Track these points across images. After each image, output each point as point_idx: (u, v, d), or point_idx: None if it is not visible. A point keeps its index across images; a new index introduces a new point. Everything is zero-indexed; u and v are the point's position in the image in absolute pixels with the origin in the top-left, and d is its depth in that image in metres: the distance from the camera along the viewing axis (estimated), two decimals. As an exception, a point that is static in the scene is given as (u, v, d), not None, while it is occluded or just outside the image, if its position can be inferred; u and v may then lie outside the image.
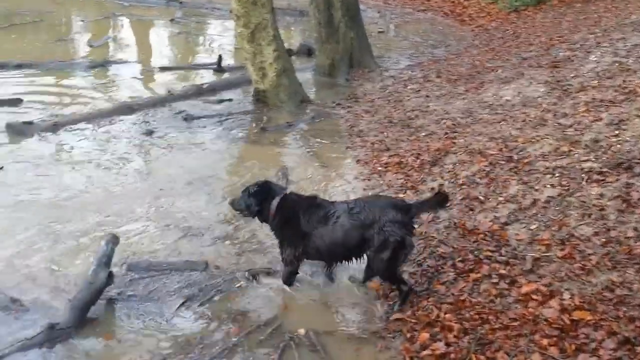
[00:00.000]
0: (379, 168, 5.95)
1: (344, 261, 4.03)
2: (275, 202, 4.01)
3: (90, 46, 11.11)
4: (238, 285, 4.18)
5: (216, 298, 4.05)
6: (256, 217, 4.13)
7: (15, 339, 3.53)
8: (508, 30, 11.10)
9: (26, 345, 3.45)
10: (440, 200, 4.00)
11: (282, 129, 7.20)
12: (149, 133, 6.93)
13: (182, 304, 3.92)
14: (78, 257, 4.44)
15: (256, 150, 6.63)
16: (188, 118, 7.41)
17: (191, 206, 5.29)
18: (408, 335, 3.65)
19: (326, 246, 3.90)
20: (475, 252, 4.28)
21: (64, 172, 5.94)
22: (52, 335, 3.54)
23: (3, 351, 3.40)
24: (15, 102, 7.83)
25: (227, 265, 4.42)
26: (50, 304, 3.91)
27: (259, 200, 4.03)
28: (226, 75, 9.34)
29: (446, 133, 6.44)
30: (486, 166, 5.41)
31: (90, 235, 4.75)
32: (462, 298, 3.86)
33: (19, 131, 6.82)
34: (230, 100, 8.15)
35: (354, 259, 4.00)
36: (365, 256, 3.92)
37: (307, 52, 10.33)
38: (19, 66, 9.30)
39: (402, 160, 5.97)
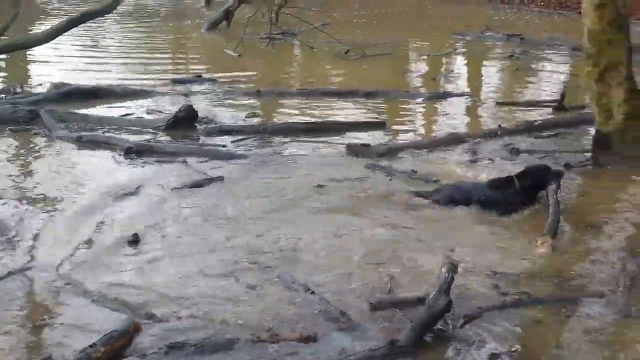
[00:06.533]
0: None
1: None
2: None
3: (433, 79, 11.60)
4: None
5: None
6: None
7: (353, 350, 3.76)
8: None
9: (367, 355, 3.66)
10: None
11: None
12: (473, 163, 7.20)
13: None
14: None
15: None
16: (513, 152, 7.42)
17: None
18: None
19: None
20: None
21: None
22: (393, 352, 3.70)
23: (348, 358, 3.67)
24: (380, 125, 8.49)
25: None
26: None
27: None
28: (567, 114, 8.96)
29: None
30: None
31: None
32: None
33: (357, 152, 7.33)
34: (555, 135, 8.03)
35: None
36: None
37: (658, 94, 9.38)
38: (366, 94, 10.03)
39: None
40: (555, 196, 5.73)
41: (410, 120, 9.22)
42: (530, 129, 8.24)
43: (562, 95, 9.20)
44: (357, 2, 19.99)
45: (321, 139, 8.00)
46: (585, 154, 7.33)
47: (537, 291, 4.49)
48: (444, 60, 13.41)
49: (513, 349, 3.80)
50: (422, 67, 13.15)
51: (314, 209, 5.90)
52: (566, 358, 3.84)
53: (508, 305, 4.24)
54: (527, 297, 4.37)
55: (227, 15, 15.54)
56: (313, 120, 8.78)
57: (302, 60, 14.00)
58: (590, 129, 7.69)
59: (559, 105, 9.12)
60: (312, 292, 4.38)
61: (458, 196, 5.91)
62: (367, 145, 7.45)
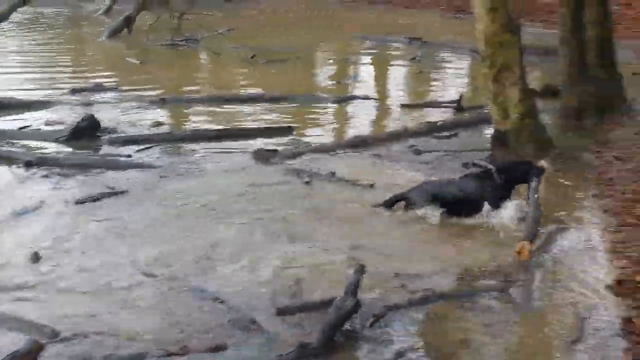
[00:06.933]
0: (631, 220, 5.49)
1: None
2: None
3: (339, 83, 11.73)
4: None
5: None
6: None
7: (264, 357, 3.76)
8: None
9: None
10: None
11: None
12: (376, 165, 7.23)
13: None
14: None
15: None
16: (416, 152, 7.61)
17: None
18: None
19: None
20: None
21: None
22: (304, 355, 3.74)
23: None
24: (288, 130, 8.49)
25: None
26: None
27: None
28: (465, 114, 9.28)
29: None
30: None
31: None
32: None
33: (264, 158, 7.33)
34: (455, 135, 8.24)
35: None
36: None
37: (551, 93, 9.87)
38: (272, 99, 10.03)
39: (659, 214, 5.46)
40: (536, 196, 5.58)
41: (317, 124, 9.30)
42: (432, 129, 8.48)
43: (461, 96, 9.53)
44: (262, 7, 19.99)
45: (230, 145, 7.96)
46: (485, 152, 7.58)
47: (442, 288, 4.62)
48: (350, 63, 13.61)
49: (417, 346, 3.92)
50: (329, 70, 13.29)
51: (223, 216, 5.85)
52: (470, 352, 3.98)
53: (414, 303, 4.35)
54: (433, 294, 4.49)
55: (128, 22, 15.18)
56: (220, 127, 8.73)
57: (208, 66, 13.90)
58: (489, 128, 7.97)
59: (459, 106, 9.43)
60: (222, 301, 4.35)
61: (435, 193, 5.77)
62: (274, 151, 7.48)
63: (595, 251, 5.22)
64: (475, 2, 7.41)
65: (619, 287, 4.49)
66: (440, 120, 8.83)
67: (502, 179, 5.76)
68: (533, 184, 5.67)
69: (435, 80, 12.13)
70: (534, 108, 7.75)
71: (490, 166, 5.96)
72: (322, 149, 7.77)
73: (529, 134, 7.56)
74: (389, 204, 5.86)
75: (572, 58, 8.62)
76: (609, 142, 7.72)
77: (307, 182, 6.62)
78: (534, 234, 5.12)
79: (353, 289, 4.09)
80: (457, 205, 5.74)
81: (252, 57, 12.74)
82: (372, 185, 6.45)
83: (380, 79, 12.59)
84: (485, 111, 8.29)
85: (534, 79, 10.90)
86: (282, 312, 4.21)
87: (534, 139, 7.55)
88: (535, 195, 5.55)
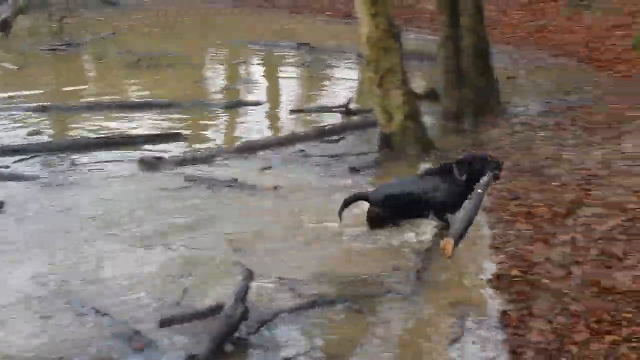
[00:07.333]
0: (506, 217, 5.75)
1: None
2: None
3: (226, 88, 11.63)
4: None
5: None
6: None
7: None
8: (649, 77, 10.56)
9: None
10: None
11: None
12: (266, 169, 7.24)
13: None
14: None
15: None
16: (303, 157, 7.68)
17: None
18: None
19: None
20: (612, 313, 4.02)
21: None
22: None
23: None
24: (176, 136, 8.37)
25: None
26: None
27: None
28: (354, 117, 9.47)
29: (580, 184, 6.15)
30: (625, 221, 5.11)
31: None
32: (597, 361, 3.65)
33: (151, 165, 7.20)
34: (343, 139, 8.37)
35: None
36: None
37: (433, 96, 10.24)
38: (159, 105, 9.87)
39: (532, 210, 5.75)
40: (481, 192, 5.26)
41: (207, 130, 9.21)
42: (321, 133, 8.60)
43: (349, 101, 9.71)
44: (147, 11, 19.58)
45: (116, 153, 7.75)
46: (372, 154, 7.77)
47: (332, 292, 4.68)
48: (239, 68, 13.56)
49: (307, 350, 3.95)
50: (218, 76, 13.20)
51: (108, 227, 5.69)
52: (357, 354, 4.07)
53: (304, 308, 4.39)
54: (322, 298, 4.53)
55: (4, 25, 14.46)
56: (105, 134, 8.46)
57: (92, 72, 13.44)
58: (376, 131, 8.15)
59: (347, 110, 9.60)
60: (104, 314, 4.23)
61: (396, 194, 5.54)
62: (160, 158, 7.34)
63: (475, 248, 5.44)
64: (358, 8, 7.59)
65: (497, 282, 4.71)
66: (329, 125, 8.97)
67: (464, 174, 5.42)
68: (485, 178, 5.33)
69: (324, 85, 12.29)
70: (417, 111, 8.02)
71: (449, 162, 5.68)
72: (212, 155, 7.71)
73: (412, 136, 7.82)
74: (347, 204, 5.56)
75: (450, 63, 8.98)
76: (485, 143, 8.07)
77: (187, 185, 6.58)
78: (460, 235, 4.87)
79: (242, 295, 4.07)
80: (414, 205, 5.51)
81: (137, 62, 12.45)
82: (275, 188, 6.51)
83: (270, 85, 12.62)
84: (372, 115, 8.48)
85: (418, 83, 11.31)
86: (165, 323, 4.12)
87: (417, 141, 7.83)
88: (480, 191, 5.25)
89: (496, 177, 5.43)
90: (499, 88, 9.61)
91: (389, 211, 5.49)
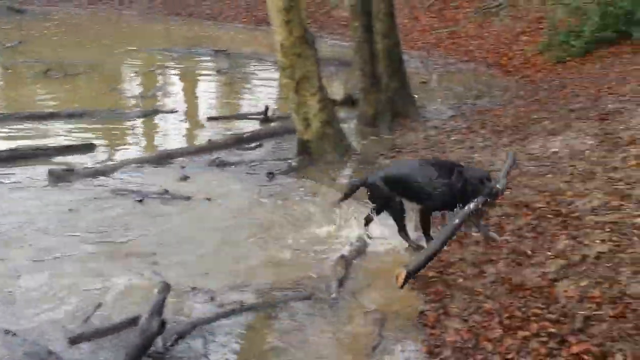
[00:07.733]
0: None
1: None
2: None
3: (142, 97, 11.40)
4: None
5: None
6: None
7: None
8: (554, 81, 11.01)
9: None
10: None
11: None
12: (184, 179, 7.15)
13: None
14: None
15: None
16: (220, 165, 7.65)
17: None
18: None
19: None
20: (523, 309, 4.17)
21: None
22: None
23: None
24: (89, 147, 8.16)
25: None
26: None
27: None
28: (272, 124, 9.46)
29: (491, 185, 6.34)
30: (533, 219, 5.30)
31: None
32: (509, 357, 3.76)
33: (61, 177, 6.98)
34: (261, 146, 8.39)
35: None
36: None
37: (350, 102, 10.37)
38: (70, 115, 9.57)
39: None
40: (457, 223, 4.82)
41: (121, 140, 9.00)
42: (239, 141, 8.56)
43: (267, 108, 9.69)
44: (57, 20, 18.97)
45: (24, 167, 7.47)
46: (290, 160, 7.78)
47: (251, 300, 4.66)
48: (154, 76, 13.31)
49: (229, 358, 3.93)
50: (132, 84, 12.91)
51: (16, 243, 5.48)
52: (278, 357, 4.06)
53: (221, 317, 4.35)
54: (240, 306, 4.51)
55: None
56: (13, 147, 8.12)
57: (-3, 81, 12.92)
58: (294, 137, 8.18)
59: (265, 117, 9.59)
60: (14, 334, 4.05)
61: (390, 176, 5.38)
62: (70, 170, 7.12)
63: (395, 252, 5.51)
64: (272, 15, 7.58)
65: (415, 284, 4.79)
66: (247, 132, 8.93)
67: (460, 181, 5.07)
68: (471, 205, 4.89)
69: (242, 92, 12.23)
70: (334, 117, 8.10)
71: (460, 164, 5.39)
72: (125, 165, 7.53)
73: (331, 142, 7.88)
74: (349, 193, 5.60)
75: (365, 68, 9.10)
76: (402, 146, 8.23)
77: (139, 201, 6.45)
78: (417, 269, 4.58)
79: (158, 308, 4.00)
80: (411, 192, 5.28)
81: (46, 72, 12.04)
82: (209, 199, 6.50)
83: (187, 92, 12.45)
84: (290, 121, 8.50)
85: (335, 89, 11.42)
86: (75, 340, 3.99)
87: (335, 146, 7.90)
88: (456, 221, 4.82)
89: (487, 204, 4.98)
90: (413, 92, 9.83)
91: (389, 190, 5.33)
